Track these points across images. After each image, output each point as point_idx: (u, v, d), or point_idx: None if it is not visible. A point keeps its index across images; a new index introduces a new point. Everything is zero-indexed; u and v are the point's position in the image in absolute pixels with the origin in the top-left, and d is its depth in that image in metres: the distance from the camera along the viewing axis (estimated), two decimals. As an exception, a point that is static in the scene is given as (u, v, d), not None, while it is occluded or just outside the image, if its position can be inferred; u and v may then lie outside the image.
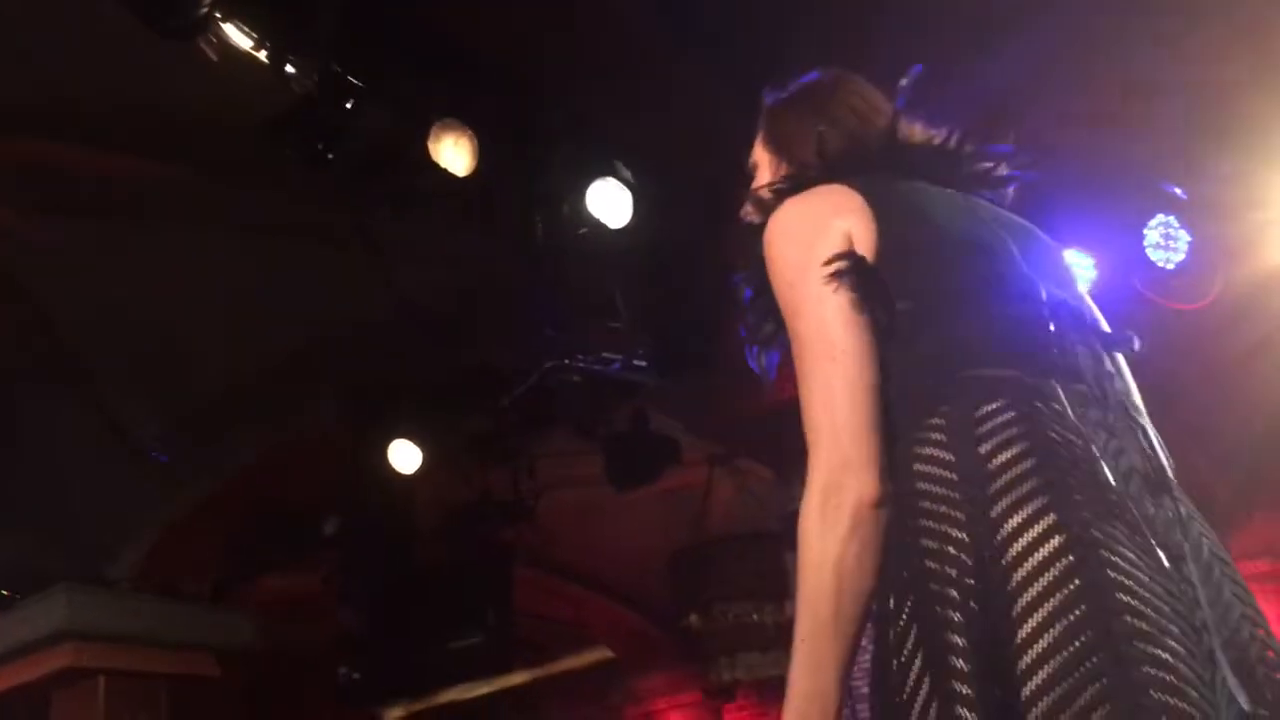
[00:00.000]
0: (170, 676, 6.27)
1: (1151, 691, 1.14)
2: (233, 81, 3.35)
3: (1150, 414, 1.50)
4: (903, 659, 1.26)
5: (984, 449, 1.30)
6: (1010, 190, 1.73)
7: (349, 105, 3.56)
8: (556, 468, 5.53)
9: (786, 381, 1.58)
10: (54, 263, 4.43)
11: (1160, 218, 3.97)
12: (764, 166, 1.80)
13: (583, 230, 3.98)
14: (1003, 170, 1.71)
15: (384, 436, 5.24)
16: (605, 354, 4.42)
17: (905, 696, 1.25)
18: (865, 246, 1.47)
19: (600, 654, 8.07)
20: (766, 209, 1.61)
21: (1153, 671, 1.15)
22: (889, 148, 1.66)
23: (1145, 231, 3.99)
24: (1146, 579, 1.22)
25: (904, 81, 1.71)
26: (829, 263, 1.46)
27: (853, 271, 1.46)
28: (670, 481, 5.74)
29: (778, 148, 1.78)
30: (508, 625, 6.23)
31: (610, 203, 3.99)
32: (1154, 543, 1.27)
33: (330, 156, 3.61)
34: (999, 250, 1.52)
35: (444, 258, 4.33)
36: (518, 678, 7.96)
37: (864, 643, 1.38)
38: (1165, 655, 1.17)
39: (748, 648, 6.23)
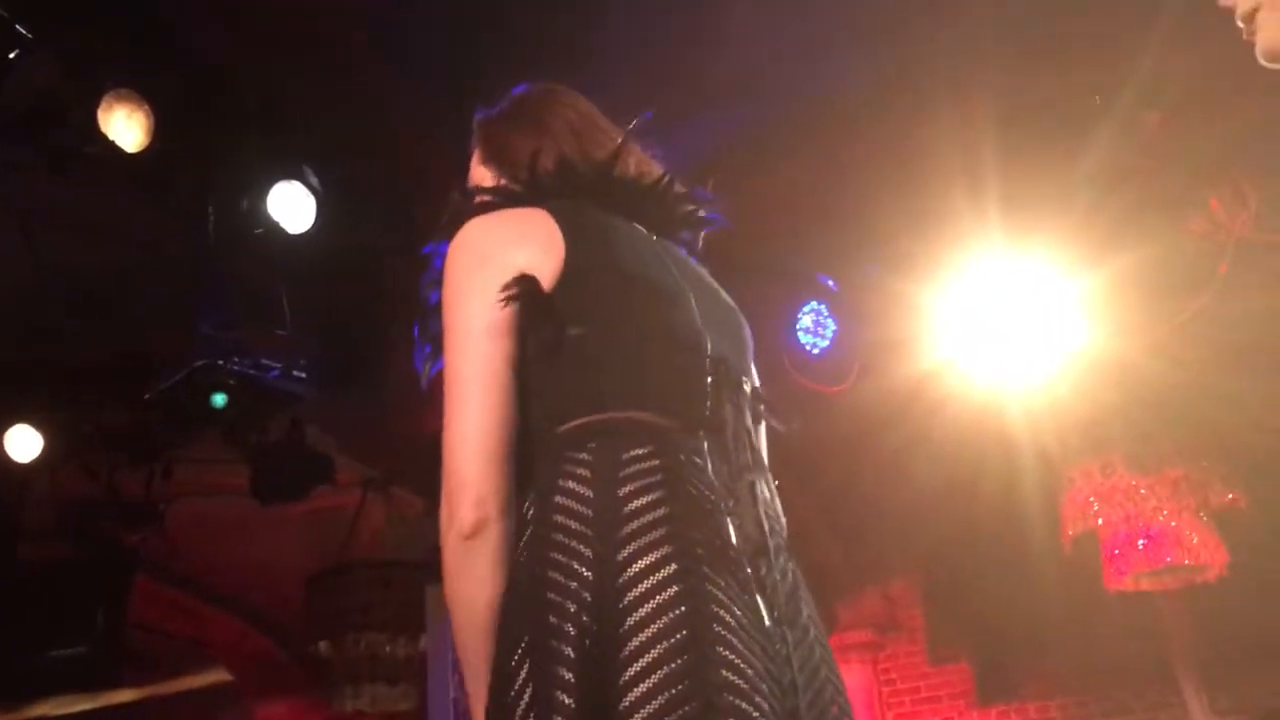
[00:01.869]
0: None
1: None
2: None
3: (786, 484, 1.62)
4: (514, 690, 1.30)
5: (623, 491, 1.36)
6: (699, 243, 1.80)
7: (12, 55, 3.28)
8: (196, 473, 5.22)
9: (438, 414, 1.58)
10: None
11: (813, 304, 4.30)
12: (485, 183, 1.78)
13: (259, 230, 3.82)
14: (701, 215, 1.78)
15: (2, 418, 4.77)
16: (264, 361, 4.25)
17: None
18: (546, 273, 1.50)
19: (218, 675, 7.67)
20: (460, 221, 1.61)
21: None
22: (602, 178, 1.69)
23: (799, 315, 4.31)
24: (747, 636, 1.30)
25: (633, 123, 1.75)
26: (504, 290, 1.48)
27: (521, 298, 1.48)
28: (319, 501, 5.56)
29: (495, 161, 1.76)
30: (118, 636, 5.78)
31: (293, 206, 3.86)
32: (760, 602, 1.37)
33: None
34: (678, 299, 1.57)
35: (101, 231, 4.02)
36: (125, 695, 7.45)
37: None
38: (752, 710, 1.25)
39: (375, 679, 6.09)
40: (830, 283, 4.29)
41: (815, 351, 4.30)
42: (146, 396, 4.45)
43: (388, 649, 6.10)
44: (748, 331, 1.72)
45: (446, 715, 5.58)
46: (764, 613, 1.37)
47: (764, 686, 1.29)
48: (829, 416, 4.40)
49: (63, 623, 5.72)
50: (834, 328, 4.29)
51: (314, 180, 3.86)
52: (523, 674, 1.29)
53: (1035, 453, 5.13)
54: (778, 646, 1.36)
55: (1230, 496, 4.98)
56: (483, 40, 3.32)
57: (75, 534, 5.59)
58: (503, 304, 1.48)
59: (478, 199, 1.67)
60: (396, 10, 3.41)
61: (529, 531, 1.39)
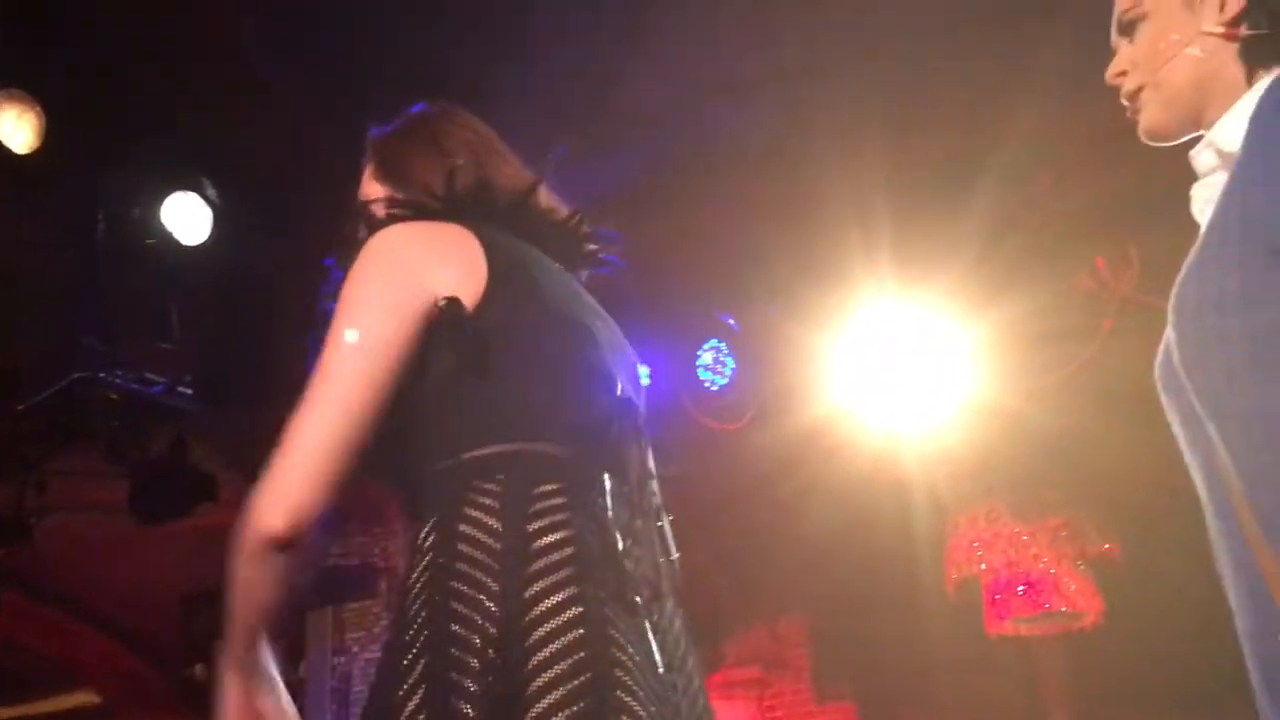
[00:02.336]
0: None
1: None
2: None
3: (681, 521, 1.61)
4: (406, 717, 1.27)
5: (532, 527, 1.34)
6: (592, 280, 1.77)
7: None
8: (72, 488, 5.03)
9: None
10: None
11: (714, 342, 4.34)
12: (377, 199, 1.72)
13: (151, 240, 3.72)
14: (603, 257, 1.76)
15: None
16: (148, 374, 4.12)
17: None
18: (466, 295, 1.47)
19: (87, 697, 7.40)
20: (375, 228, 1.57)
21: None
22: (518, 206, 1.66)
23: (700, 352, 4.34)
24: (645, 682, 1.31)
25: (551, 157, 1.72)
26: (418, 307, 1.45)
27: (444, 320, 1.45)
28: (202, 520, 5.41)
29: (393, 178, 1.71)
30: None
31: (188, 217, 3.77)
32: (654, 647, 1.38)
33: None
34: (591, 337, 1.55)
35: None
36: (-17, 715, 7.14)
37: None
38: None
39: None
40: (731, 322, 4.33)
41: (714, 389, 4.34)
42: (20, 408, 4.28)
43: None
44: (640, 375, 1.72)
45: (323, 744, 5.45)
46: (658, 658, 1.38)
47: None
48: (728, 456, 4.44)
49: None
50: (733, 366, 4.34)
51: (212, 193, 3.77)
52: (414, 702, 1.26)
53: (926, 497, 5.23)
54: (668, 692, 1.38)
55: (1106, 546, 5.14)
56: (390, 65, 3.29)
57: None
58: (411, 322, 1.45)
59: (391, 209, 1.62)
60: (304, 28, 3.36)
61: (428, 558, 1.35)
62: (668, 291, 4.06)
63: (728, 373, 4.34)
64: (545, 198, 1.71)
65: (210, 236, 3.78)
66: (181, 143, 3.65)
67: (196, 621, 6.14)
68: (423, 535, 1.38)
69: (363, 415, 1.42)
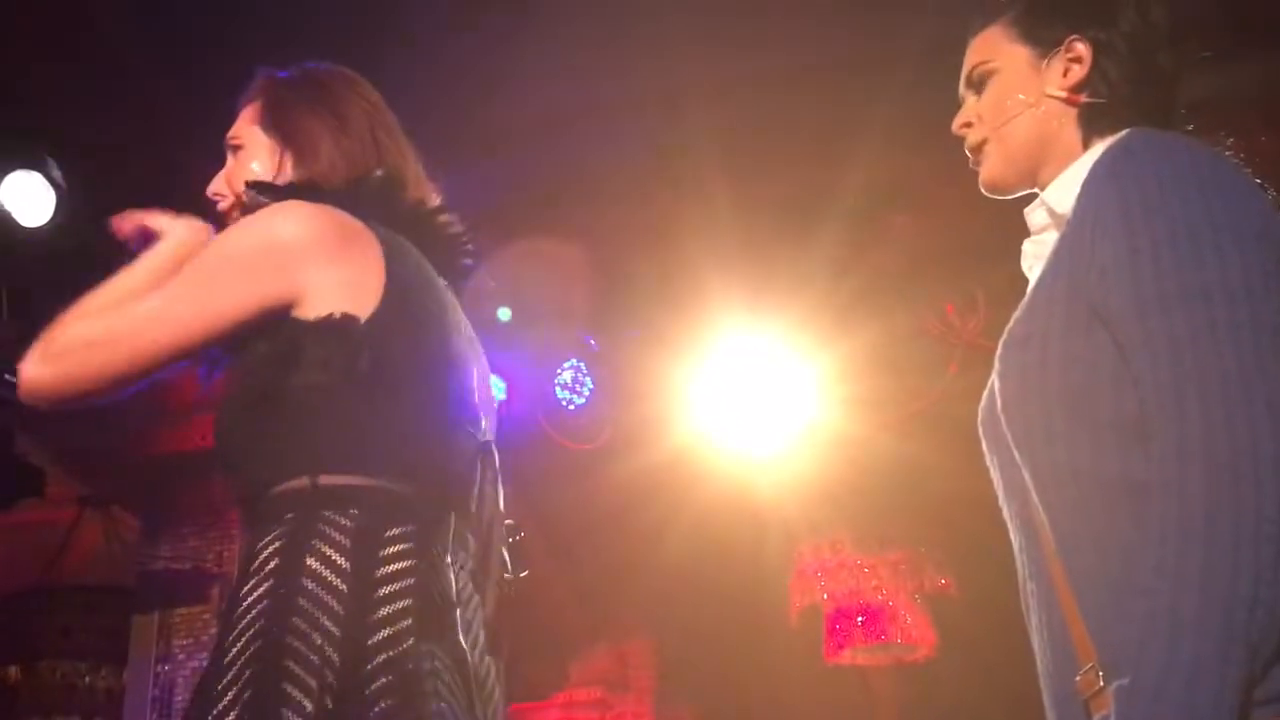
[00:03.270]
0: None
1: None
2: None
3: (534, 544, 1.60)
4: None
5: (379, 573, 1.32)
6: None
7: None
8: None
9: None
10: None
11: (573, 361, 4.33)
12: (256, 148, 1.63)
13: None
14: (469, 264, 1.70)
15: None
16: (-28, 360, 3.90)
17: None
18: (358, 304, 1.41)
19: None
20: (279, 196, 1.51)
21: None
22: (418, 212, 1.60)
23: (558, 372, 4.32)
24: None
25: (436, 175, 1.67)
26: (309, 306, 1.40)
27: (335, 326, 1.40)
28: (28, 515, 5.16)
29: (281, 136, 1.61)
30: None
31: (29, 197, 3.59)
32: (474, 697, 1.38)
33: None
34: (464, 370, 1.52)
35: None
36: None
37: None
38: None
39: (69, 712, 5.64)
40: (592, 342, 4.33)
41: (571, 408, 4.33)
42: None
43: (87, 680, 5.67)
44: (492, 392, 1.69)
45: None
46: (476, 708, 1.38)
47: None
48: (586, 480, 4.43)
49: None
50: (591, 387, 4.33)
51: (57, 173, 3.60)
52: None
53: (778, 527, 5.31)
54: None
55: (942, 582, 5.29)
56: (262, 50, 3.19)
57: None
58: (261, 308, 1.41)
59: (293, 186, 1.54)
60: (167, 6, 3.24)
61: (269, 583, 1.31)
62: (529, 307, 4.04)
63: (585, 393, 4.33)
64: (422, 186, 1.64)
65: (52, 218, 3.60)
66: (26, 116, 3.47)
67: (13, 621, 5.84)
68: (264, 554, 1.34)
69: (167, 350, 1.42)
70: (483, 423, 1.53)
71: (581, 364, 4.33)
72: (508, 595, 1.50)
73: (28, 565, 5.78)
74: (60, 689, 5.70)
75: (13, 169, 3.49)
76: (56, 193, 3.59)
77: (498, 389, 4.29)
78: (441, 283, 1.58)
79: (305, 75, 1.68)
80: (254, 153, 1.63)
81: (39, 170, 3.52)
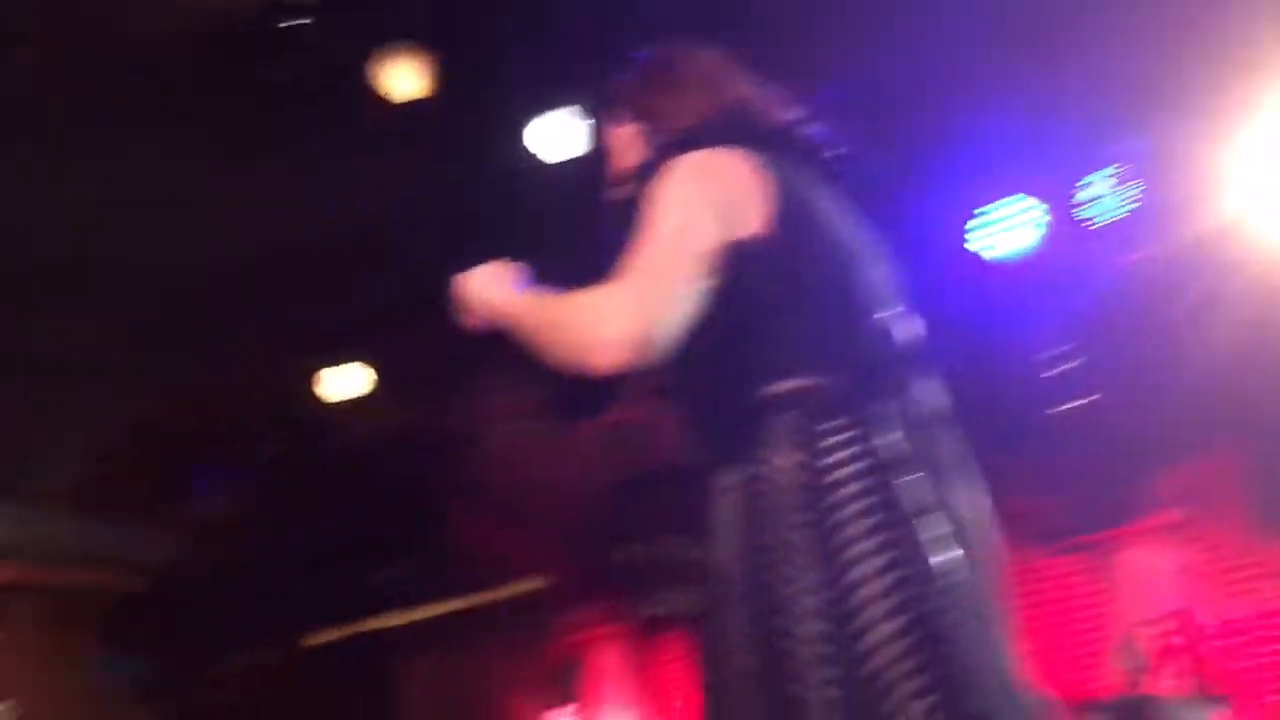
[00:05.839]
0: (101, 592, 6.26)
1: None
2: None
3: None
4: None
5: (832, 459, 1.44)
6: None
7: (296, 24, 3.50)
8: (498, 398, 5.51)
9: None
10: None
11: (1108, 170, 4.01)
12: (626, 145, 1.81)
13: (531, 163, 3.95)
14: (857, 158, 1.77)
15: (325, 359, 5.20)
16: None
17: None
18: (761, 225, 1.53)
19: (530, 585, 8.10)
20: (673, 152, 1.62)
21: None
22: (778, 129, 1.70)
23: (1088, 183, 4.04)
24: (947, 587, 1.42)
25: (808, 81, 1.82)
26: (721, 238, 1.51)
27: (743, 253, 1.52)
28: (614, 414, 5.72)
29: (645, 118, 1.77)
30: (439, 554, 6.24)
31: (562, 136, 3.96)
32: (949, 553, 1.45)
33: (277, 74, 3.55)
34: (864, 263, 1.61)
35: (393, 178, 4.26)
36: (445, 607, 7.98)
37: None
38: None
39: (681, 582, 6.27)
40: (1129, 145, 3.98)
41: (1113, 220, 4.04)
42: (448, 331, 4.68)
43: (691, 552, 6.25)
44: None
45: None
46: (956, 556, 1.45)
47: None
48: (1139, 288, 4.13)
49: (389, 544, 6.23)
50: (1136, 192, 3.99)
51: (585, 108, 3.92)
52: (744, 627, 1.42)
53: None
54: (973, 586, 1.47)
55: None
56: None
57: (394, 462, 6.04)
58: (716, 237, 1.51)
59: (684, 136, 1.67)
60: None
61: (734, 496, 1.47)
62: (1048, 122, 3.80)
63: (1128, 201, 4.01)
64: (782, 110, 1.74)
65: (585, 152, 3.94)
66: (558, 63, 3.80)
67: (620, 509, 6.57)
68: (722, 473, 1.50)
69: (688, 284, 1.49)
70: (889, 307, 1.59)
71: (1120, 170, 4.00)
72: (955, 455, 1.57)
73: (622, 458, 6.47)
74: (669, 563, 6.36)
75: (549, 110, 3.86)
76: (585, 127, 3.93)
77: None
78: (823, 187, 1.66)
79: (645, 65, 1.83)
80: (625, 151, 1.80)
81: (571, 108, 3.88)
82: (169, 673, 9.07)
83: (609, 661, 8.13)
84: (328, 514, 6.18)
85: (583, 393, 5.22)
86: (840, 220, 1.64)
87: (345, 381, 5.22)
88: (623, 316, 1.44)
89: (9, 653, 6.04)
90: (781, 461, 1.45)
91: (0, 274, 4.70)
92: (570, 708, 7.63)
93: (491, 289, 1.74)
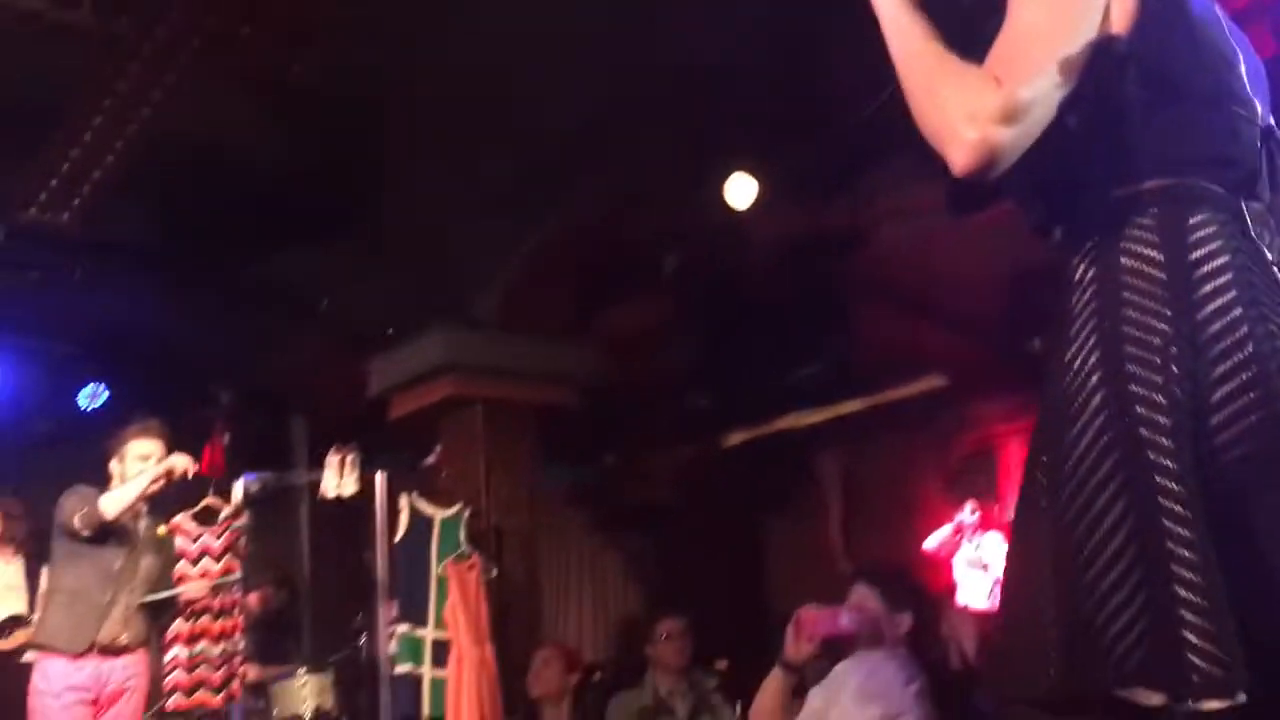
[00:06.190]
0: (536, 405, 6.91)
1: None
2: None
3: None
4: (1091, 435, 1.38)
5: (1191, 257, 1.41)
6: None
7: None
8: (894, 196, 5.45)
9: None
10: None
11: None
12: None
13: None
14: None
15: (721, 171, 5.33)
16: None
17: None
18: (1127, 15, 1.47)
19: (932, 382, 8.09)
20: None
21: None
22: None
23: None
24: None
25: None
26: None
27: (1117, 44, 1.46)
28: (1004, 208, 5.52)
29: None
30: (842, 355, 6.35)
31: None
32: None
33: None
34: (1235, 63, 1.55)
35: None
36: (850, 406, 8.15)
37: None
38: None
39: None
40: None
41: None
42: (842, 132, 4.68)
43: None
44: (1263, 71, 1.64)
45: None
46: None
47: None
48: None
49: (794, 347, 6.41)
50: None
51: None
52: (1100, 420, 1.37)
53: None
54: None
55: None
56: None
57: (795, 266, 6.16)
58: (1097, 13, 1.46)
59: None
60: None
61: (1091, 290, 1.44)
62: None
63: None
64: None
65: None
66: None
67: (1026, 299, 6.37)
68: (1080, 268, 1.47)
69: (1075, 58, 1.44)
70: (1259, 114, 1.54)
71: None
72: None
73: (1024, 247, 6.25)
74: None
75: None
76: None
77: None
78: None
79: None
80: None
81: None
82: (600, 475, 9.98)
83: (1020, 456, 8.04)
84: (739, 319, 6.43)
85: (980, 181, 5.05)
86: (1211, 18, 1.56)
87: (747, 189, 5.33)
88: (993, 123, 1.38)
89: (456, 462, 6.86)
90: (1145, 254, 1.42)
91: (453, 115, 5.14)
92: (977, 503, 7.67)
93: None
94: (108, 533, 4.53)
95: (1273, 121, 1.56)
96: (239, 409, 8.09)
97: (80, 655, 4.44)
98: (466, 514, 6.26)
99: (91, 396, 7.80)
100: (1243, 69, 1.55)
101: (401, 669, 5.76)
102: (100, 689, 4.48)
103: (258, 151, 5.39)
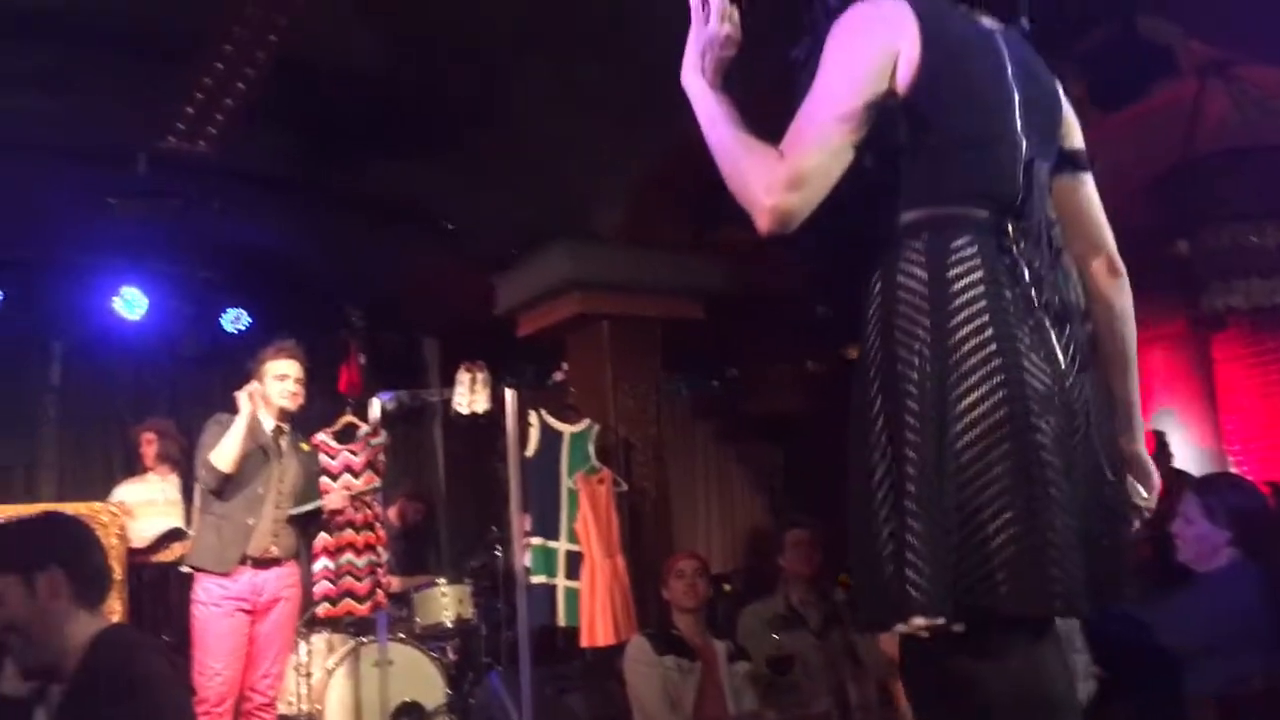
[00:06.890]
0: (661, 319, 6.92)
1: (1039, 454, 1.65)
2: None
3: None
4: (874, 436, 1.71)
5: (951, 274, 1.69)
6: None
7: None
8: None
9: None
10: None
11: None
12: None
13: None
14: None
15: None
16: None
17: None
18: (911, 69, 1.71)
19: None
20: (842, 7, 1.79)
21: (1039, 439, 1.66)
22: None
23: None
24: (1046, 388, 1.68)
25: None
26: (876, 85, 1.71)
27: (895, 101, 1.72)
28: (1154, 99, 5.27)
29: None
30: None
31: None
32: (1058, 355, 1.71)
33: None
34: (1005, 102, 1.78)
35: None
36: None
37: None
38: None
39: (1245, 273, 5.78)
40: None
41: None
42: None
43: (1254, 239, 5.74)
44: (1064, 103, 1.92)
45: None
46: (1061, 365, 1.71)
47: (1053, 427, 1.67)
48: None
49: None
50: None
51: None
52: (876, 408, 1.70)
53: None
54: (1069, 396, 1.70)
55: None
56: None
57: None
58: (884, 77, 1.70)
59: None
60: None
61: (877, 302, 1.74)
62: None
63: None
64: None
65: None
66: None
67: (1167, 200, 6.11)
68: (875, 284, 1.75)
69: (850, 124, 1.69)
70: (1023, 149, 1.77)
71: None
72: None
73: (1165, 146, 5.97)
74: (1230, 251, 5.87)
75: None
76: None
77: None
78: (982, 29, 1.82)
79: None
80: None
81: None
82: (726, 386, 9.99)
83: (1163, 361, 7.78)
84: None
85: (1127, 74, 4.81)
86: (992, 65, 1.79)
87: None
88: (782, 192, 1.64)
89: (583, 378, 6.92)
90: (914, 272, 1.70)
91: (561, 30, 5.10)
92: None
93: (692, 77, 1.90)
94: (244, 461, 4.68)
95: (1037, 153, 1.79)
96: (372, 330, 8.31)
97: (232, 572, 4.63)
98: (595, 429, 6.34)
99: (234, 320, 8.10)
100: (1016, 108, 1.78)
101: (536, 580, 5.90)
102: (256, 598, 4.68)
103: (384, 74, 5.43)
